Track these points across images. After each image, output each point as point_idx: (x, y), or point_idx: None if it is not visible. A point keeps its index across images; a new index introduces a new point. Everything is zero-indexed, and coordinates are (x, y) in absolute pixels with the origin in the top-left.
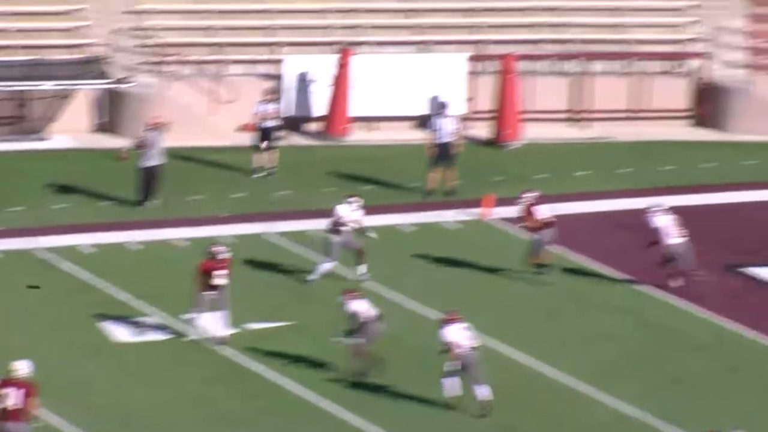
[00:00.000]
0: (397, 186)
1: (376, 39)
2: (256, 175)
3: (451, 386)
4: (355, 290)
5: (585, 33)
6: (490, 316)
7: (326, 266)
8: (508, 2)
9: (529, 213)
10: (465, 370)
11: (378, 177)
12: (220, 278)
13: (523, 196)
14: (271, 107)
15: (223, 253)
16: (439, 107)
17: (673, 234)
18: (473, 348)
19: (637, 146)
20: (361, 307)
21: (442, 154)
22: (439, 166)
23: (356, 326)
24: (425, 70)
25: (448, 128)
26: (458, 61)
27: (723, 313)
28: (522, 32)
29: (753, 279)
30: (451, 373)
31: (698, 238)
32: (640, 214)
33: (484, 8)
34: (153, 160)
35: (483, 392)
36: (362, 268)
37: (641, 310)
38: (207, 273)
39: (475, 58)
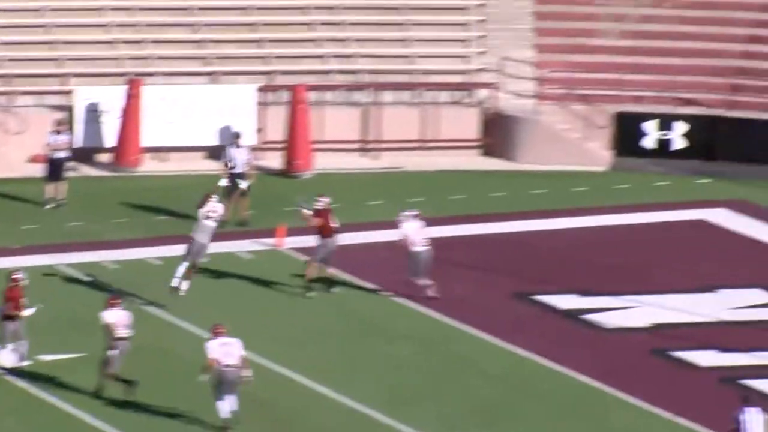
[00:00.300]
0: (191, 216)
1: (165, 70)
2: (47, 207)
3: (223, 408)
4: (117, 299)
5: (374, 64)
6: (283, 345)
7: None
8: (298, 33)
9: (320, 216)
10: (223, 384)
11: (171, 207)
12: (24, 308)
13: (320, 199)
14: (61, 138)
15: (23, 280)
16: (231, 138)
17: (418, 242)
18: (229, 365)
19: (427, 176)
20: (118, 319)
21: (234, 184)
22: (232, 196)
23: (110, 338)
24: (216, 101)
25: (240, 159)
26: (248, 92)
27: (514, 340)
28: (312, 63)
29: (542, 306)
30: (219, 395)
31: (488, 266)
32: (432, 243)
33: (274, 39)
34: None
35: (232, 404)
36: (185, 284)
37: (433, 337)
38: (12, 301)
39: (264, 89)
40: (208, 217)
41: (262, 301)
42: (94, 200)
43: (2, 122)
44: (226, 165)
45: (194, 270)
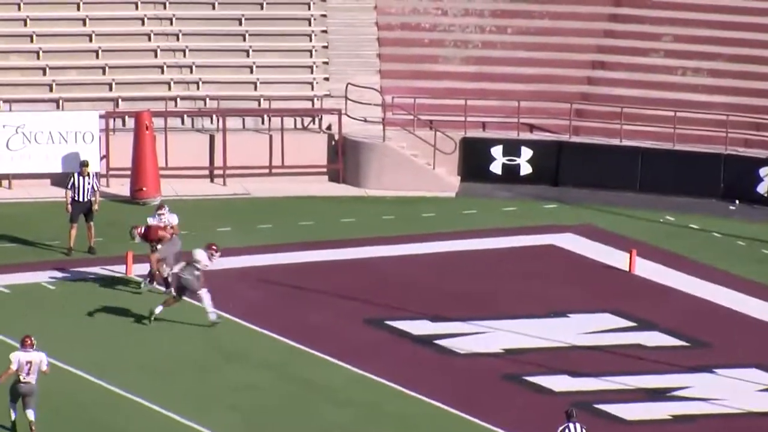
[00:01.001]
0: (37, 244)
1: (9, 96)
2: None
3: (12, 414)
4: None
5: (219, 90)
6: (137, 373)
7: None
8: (142, 59)
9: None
10: (17, 395)
11: (16, 235)
12: None
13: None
14: None
15: None
16: (77, 165)
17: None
18: (25, 380)
19: (275, 202)
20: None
21: (81, 211)
22: (79, 224)
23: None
24: (59, 127)
25: (86, 186)
26: (91, 119)
27: (367, 366)
28: (156, 89)
29: (394, 332)
30: (12, 402)
31: (339, 292)
32: (280, 270)
33: (118, 65)
34: None
35: (30, 415)
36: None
37: (286, 364)
38: None
39: (108, 115)
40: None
41: (117, 329)
42: None
43: None
44: (71, 192)
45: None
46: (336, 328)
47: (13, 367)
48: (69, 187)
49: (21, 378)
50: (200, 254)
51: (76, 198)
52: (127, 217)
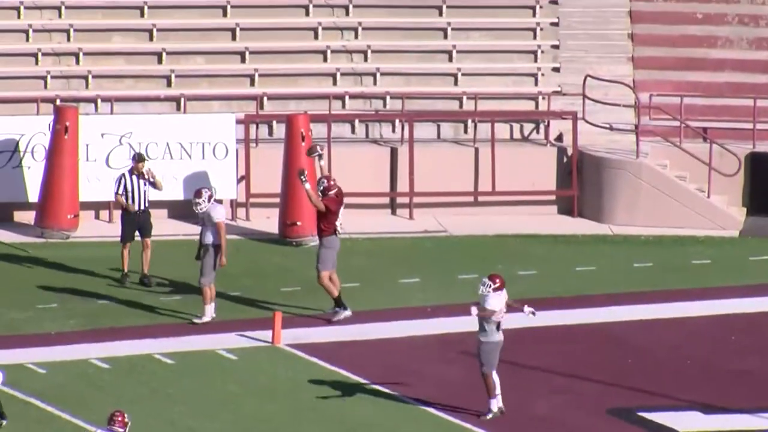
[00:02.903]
0: (145, 300)
1: (110, 93)
2: None
3: None
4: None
5: (404, 85)
6: None
7: None
8: (296, 42)
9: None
10: None
11: (117, 287)
12: None
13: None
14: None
15: None
16: (132, 161)
17: None
18: None
19: (482, 243)
20: None
21: (137, 225)
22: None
23: None
24: (180, 137)
25: (142, 189)
26: (225, 125)
27: None
28: (317, 84)
29: (649, 427)
30: None
31: (570, 371)
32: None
33: (263, 50)
34: None
35: None
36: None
37: None
38: None
39: (249, 120)
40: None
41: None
42: (11, 276)
43: None
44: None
45: None
46: (570, 421)
47: None
48: (120, 191)
49: None
50: None
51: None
52: (276, 261)
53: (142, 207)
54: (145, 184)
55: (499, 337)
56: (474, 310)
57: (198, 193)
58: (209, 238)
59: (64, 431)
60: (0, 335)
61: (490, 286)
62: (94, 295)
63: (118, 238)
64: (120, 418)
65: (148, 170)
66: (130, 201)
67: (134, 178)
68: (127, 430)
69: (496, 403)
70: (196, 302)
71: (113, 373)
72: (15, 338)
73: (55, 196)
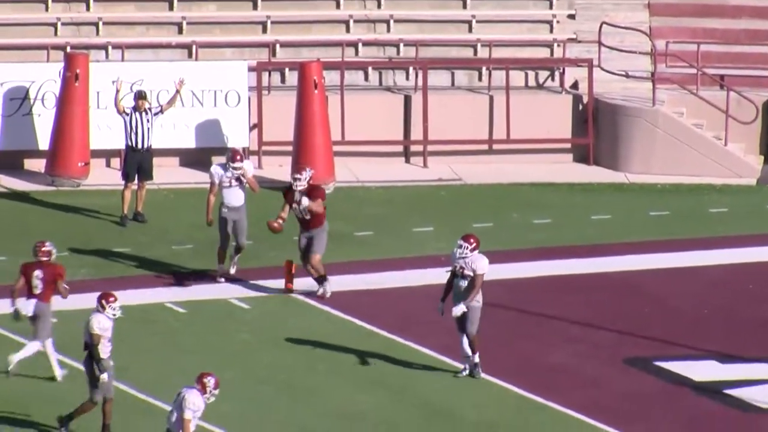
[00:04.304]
0: (156, 246)
1: (121, 40)
2: None
3: None
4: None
5: (418, 31)
6: None
7: None
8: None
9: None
10: None
11: (129, 236)
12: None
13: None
14: None
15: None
16: (134, 98)
17: None
18: None
19: (496, 191)
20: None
21: (138, 163)
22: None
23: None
24: (192, 85)
25: (144, 126)
26: (237, 72)
27: (628, 427)
28: (330, 30)
29: (668, 377)
30: None
31: (586, 320)
32: (504, 288)
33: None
34: None
35: None
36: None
37: (521, 427)
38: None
39: (261, 67)
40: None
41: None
42: (22, 224)
43: None
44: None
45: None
46: (584, 371)
47: None
48: (126, 126)
49: None
50: None
51: (131, 144)
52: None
53: (145, 145)
54: (147, 122)
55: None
56: (460, 309)
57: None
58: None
59: (76, 380)
60: (10, 284)
61: (468, 248)
62: (105, 244)
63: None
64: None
65: (180, 80)
66: (130, 140)
67: (137, 115)
68: (53, 258)
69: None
70: (206, 251)
71: (125, 322)
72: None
73: (66, 144)
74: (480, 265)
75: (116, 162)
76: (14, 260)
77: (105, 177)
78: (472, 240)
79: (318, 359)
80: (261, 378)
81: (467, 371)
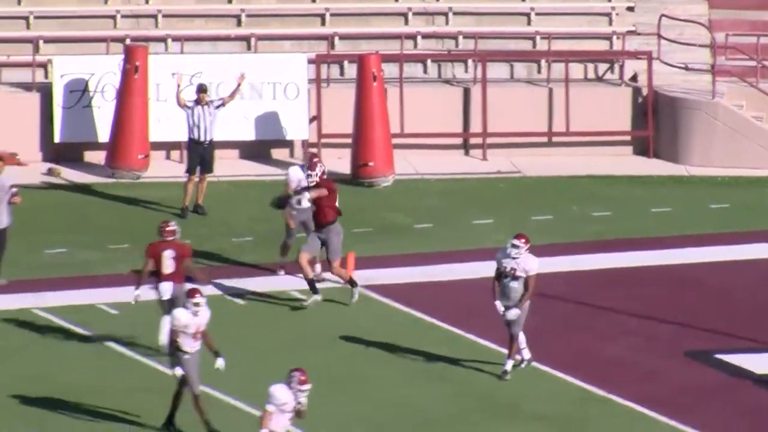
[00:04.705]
0: (217, 234)
1: (179, 33)
2: None
3: None
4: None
5: (477, 24)
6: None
7: None
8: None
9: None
10: None
11: (190, 226)
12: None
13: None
14: None
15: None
16: (195, 91)
17: None
18: None
19: (555, 184)
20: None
21: (200, 156)
22: None
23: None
24: (251, 77)
25: (207, 119)
26: (296, 65)
27: (688, 420)
28: (388, 23)
29: (726, 370)
30: None
31: (645, 313)
32: (561, 280)
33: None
34: None
35: None
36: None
37: (581, 419)
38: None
39: (320, 60)
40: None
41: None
42: (82, 217)
43: None
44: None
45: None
46: (644, 364)
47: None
48: (188, 120)
49: None
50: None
51: (194, 137)
52: (348, 202)
53: (207, 138)
54: (210, 115)
55: None
56: (515, 313)
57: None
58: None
59: (136, 372)
60: (72, 276)
61: (524, 248)
62: None
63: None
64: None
65: (242, 74)
66: (193, 133)
67: (199, 108)
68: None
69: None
70: (265, 243)
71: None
72: (87, 279)
73: (126, 136)
74: (533, 265)
75: (176, 154)
76: (75, 252)
77: (164, 169)
78: (526, 240)
79: (377, 351)
80: (319, 369)
81: (524, 363)
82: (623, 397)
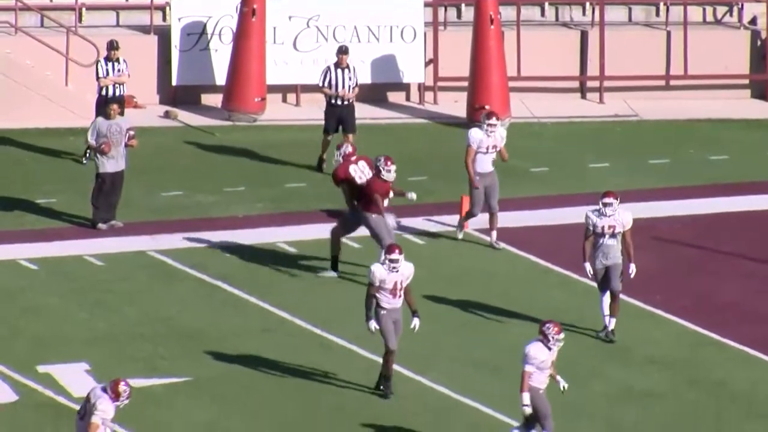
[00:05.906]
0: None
1: None
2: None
3: None
4: None
5: None
6: (471, 370)
7: None
8: None
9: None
10: None
11: (302, 173)
12: None
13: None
14: (118, 68)
15: None
16: (335, 52)
17: None
18: None
19: (673, 127)
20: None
21: (339, 116)
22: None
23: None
24: (368, 21)
25: (346, 81)
26: (413, 8)
27: None
28: None
29: None
30: None
31: (764, 257)
32: (679, 224)
33: None
34: None
35: None
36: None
37: (688, 361)
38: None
39: (437, 3)
40: None
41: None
42: (199, 160)
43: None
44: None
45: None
46: (760, 308)
47: None
48: (324, 83)
49: None
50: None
51: (331, 99)
52: (462, 146)
53: (345, 102)
54: (350, 78)
55: None
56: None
57: None
58: None
59: (252, 315)
60: (188, 218)
61: (617, 204)
62: (282, 179)
63: (305, 122)
64: None
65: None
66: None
67: (338, 71)
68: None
69: None
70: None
71: (300, 258)
72: (203, 221)
73: (243, 79)
74: (630, 217)
75: (292, 97)
76: (191, 195)
77: (280, 112)
78: (615, 195)
79: (492, 295)
80: (434, 313)
81: (604, 334)
82: (738, 341)
